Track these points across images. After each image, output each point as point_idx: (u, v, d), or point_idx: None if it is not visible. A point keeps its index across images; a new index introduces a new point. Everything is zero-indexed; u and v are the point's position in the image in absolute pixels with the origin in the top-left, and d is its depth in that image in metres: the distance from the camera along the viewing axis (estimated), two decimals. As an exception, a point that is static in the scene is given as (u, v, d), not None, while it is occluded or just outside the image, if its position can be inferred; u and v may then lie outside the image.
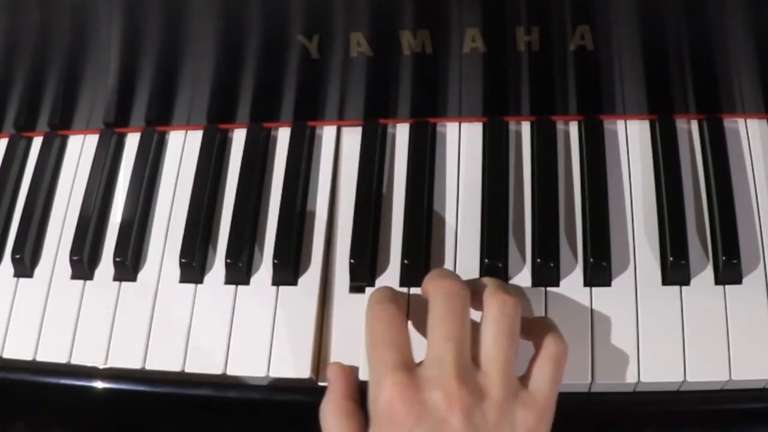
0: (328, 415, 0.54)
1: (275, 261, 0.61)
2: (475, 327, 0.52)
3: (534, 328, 0.54)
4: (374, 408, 0.50)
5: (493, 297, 0.52)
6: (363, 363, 0.57)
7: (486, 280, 0.55)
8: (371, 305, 0.53)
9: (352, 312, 0.60)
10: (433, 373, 0.49)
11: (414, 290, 0.59)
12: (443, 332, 0.50)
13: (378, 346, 0.52)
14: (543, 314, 0.58)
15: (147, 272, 0.64)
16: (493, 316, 0.51)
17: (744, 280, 0.58)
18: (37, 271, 0.66)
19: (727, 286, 0.57)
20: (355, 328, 0.58)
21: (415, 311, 0.56)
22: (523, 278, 0.59)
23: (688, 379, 0.55)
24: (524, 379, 0.51)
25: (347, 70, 0.62)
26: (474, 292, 0.53)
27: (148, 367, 0.60)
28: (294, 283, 0.61)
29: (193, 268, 0.62)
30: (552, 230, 0.60)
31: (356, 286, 0.61)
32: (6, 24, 0.61)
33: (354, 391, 0.55)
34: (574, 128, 0.65)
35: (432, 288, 0.52)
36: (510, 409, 0.48)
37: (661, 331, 0.56)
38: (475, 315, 0.52)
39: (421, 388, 0.48)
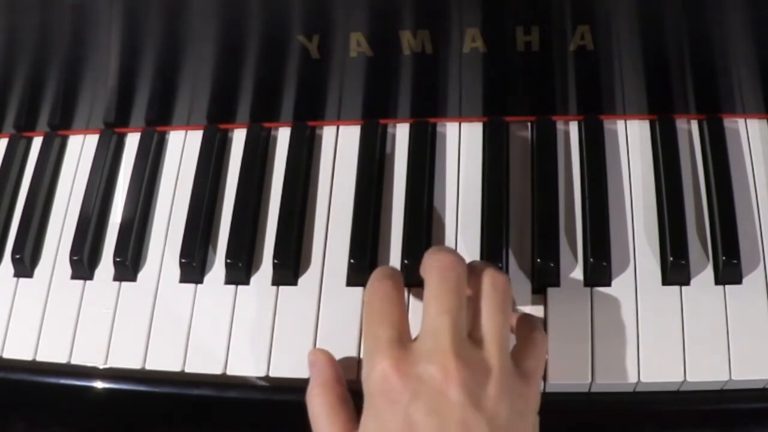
0: (316, 401, 0.52)
1: (275, 261, 0.61)
2: (470, 303, 0.51)
3: (517, 322, 0.55)
4: (368, 385, 0.49)
5: (486, 274, 0.52)
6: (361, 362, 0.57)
7: (478, 261, 0.55)
8: (369, 283, 0.53)
9: (350, 311, 0.59)
10: (428, 346, 0.48)
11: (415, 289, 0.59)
12: (438, 306, 0.49)
13: (372, 322, 0.51)
14: (543, 314, 0.58)
15: (147, 272, 0.64)
16: (488, 292, 0.51)
17: (744, 280, 0.58)
18: (37, 271, 0.66)
19: (727, 286, 0.57)
20: (353, 328, 0.58)
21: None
22: (523, 278, 0.59)
23: (688, 379, 0.55)
24: (512, 358, 0.51)
25: (347, 70, 0.62)
26: (468, 272, 0.53)
27: (148, 367, 0.60)
28: (294, 283, 0.61)
29: (193, 268, 0.62)
30: (552, 230, 0.60)
31: (355, 286, 0.61)
32: (6, 24, 0.61)
33: (340, 375, 0.54)
34: (574, 128, 0.65)
35: (427, 263, 0.52)
36: (509, 382, 0.48)
37: (661, 331, 0.56)
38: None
39: (415, 362, 0.47)
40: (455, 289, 0.50)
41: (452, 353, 0.47)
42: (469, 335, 0.50)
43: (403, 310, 0.52)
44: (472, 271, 0.53)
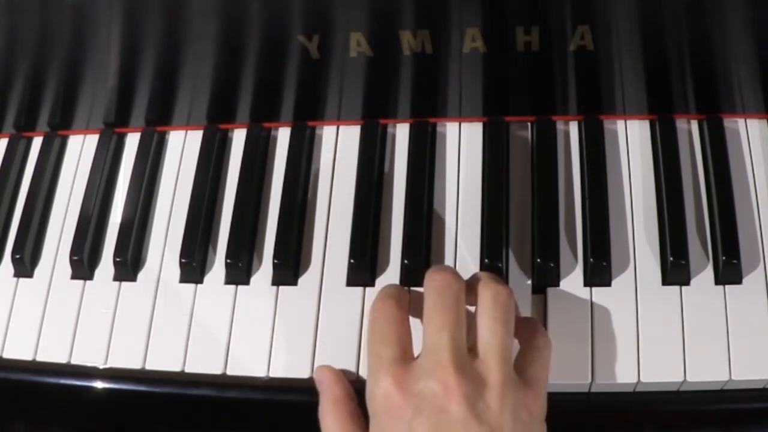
0: (328, 419, 0.53)
1: (275, 261, 0.61)
2: (471, 318, 0.52)
3: (519, 326, 0.54)
4: (371, 403, 0.50)
5: (486, 288, 0.52)
6: (362, 363, 0.57)
7: (480, 273, 0.55)
8: (374, 302, 0.54)
9: (350, 312, 0.60)
10: (429, 363, 0.49)
11: (415, 289, 0.58)
12: (437, 322, 0.50)
13: (375, 341, 0.52)
14: (543, 314, 0.58)
15: (147, 272, 0.64)
16: (488, 306, 0.51)
17: (744, 280, 0.58)
18: (37, 271, 0.66)
19: (727, 286, 0.57)
20: (353, 328, 0.58)
21: (417, 307, 0.56)
22: (523, 278, 0.59)
23: (688, 379, 0.55)
24: (515, 367, 0.51)
25: (347, 70, 0.62)
26: (469, 287, 0.53)
27: (148, 367, 0.60)
28: (294, 283, 0.61)
29: (193, 268, 0.62)
30: (552, 230, 0.60)
31: (355, 286, 0.61)
32: (6, 24, 0.61)
33: (349, 391, 0.55)
34: (574, 128, 0.65)
35: (426, 283, 0.53)
36: (511, 393, 0.48)
37: (661, 331, 0.56)
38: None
39: (417, 378, 0.48)
40: (453, 306, 0.51)
41: (452, 368, 0.47)
42: (471, 350, 0.50)
43: (406, 329, 0.53)
44: (474, 285, 0.53)
